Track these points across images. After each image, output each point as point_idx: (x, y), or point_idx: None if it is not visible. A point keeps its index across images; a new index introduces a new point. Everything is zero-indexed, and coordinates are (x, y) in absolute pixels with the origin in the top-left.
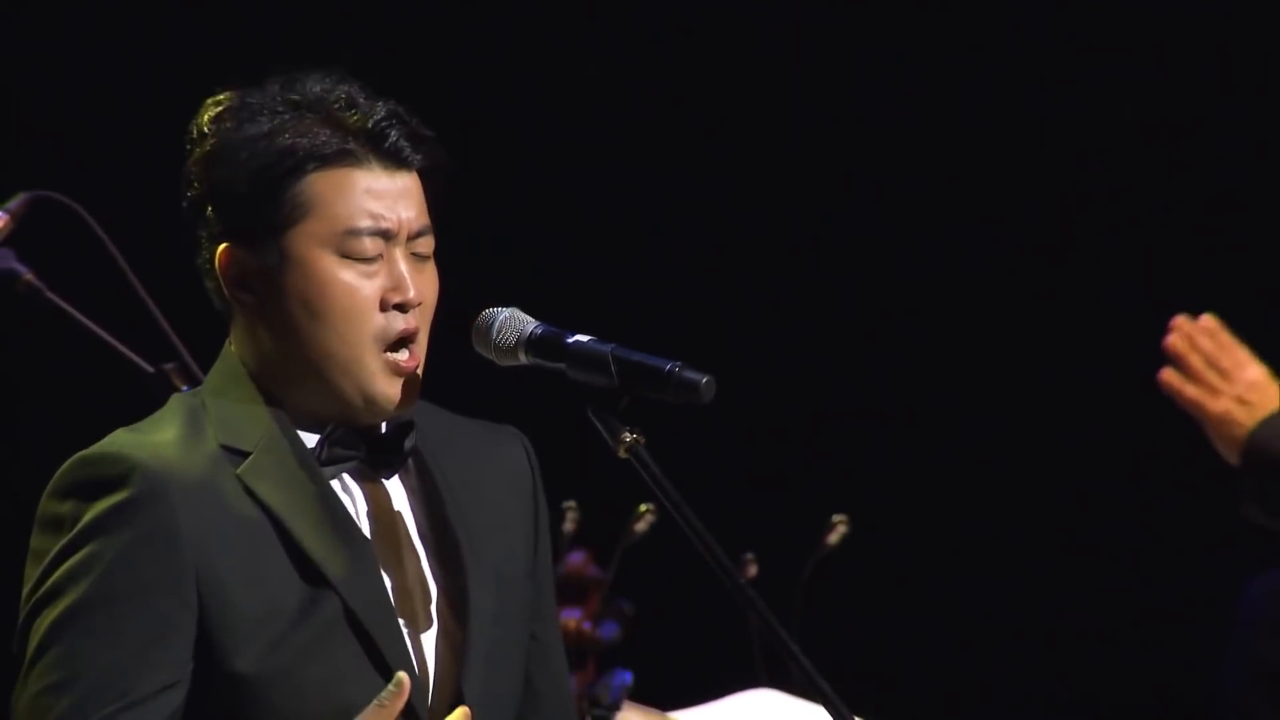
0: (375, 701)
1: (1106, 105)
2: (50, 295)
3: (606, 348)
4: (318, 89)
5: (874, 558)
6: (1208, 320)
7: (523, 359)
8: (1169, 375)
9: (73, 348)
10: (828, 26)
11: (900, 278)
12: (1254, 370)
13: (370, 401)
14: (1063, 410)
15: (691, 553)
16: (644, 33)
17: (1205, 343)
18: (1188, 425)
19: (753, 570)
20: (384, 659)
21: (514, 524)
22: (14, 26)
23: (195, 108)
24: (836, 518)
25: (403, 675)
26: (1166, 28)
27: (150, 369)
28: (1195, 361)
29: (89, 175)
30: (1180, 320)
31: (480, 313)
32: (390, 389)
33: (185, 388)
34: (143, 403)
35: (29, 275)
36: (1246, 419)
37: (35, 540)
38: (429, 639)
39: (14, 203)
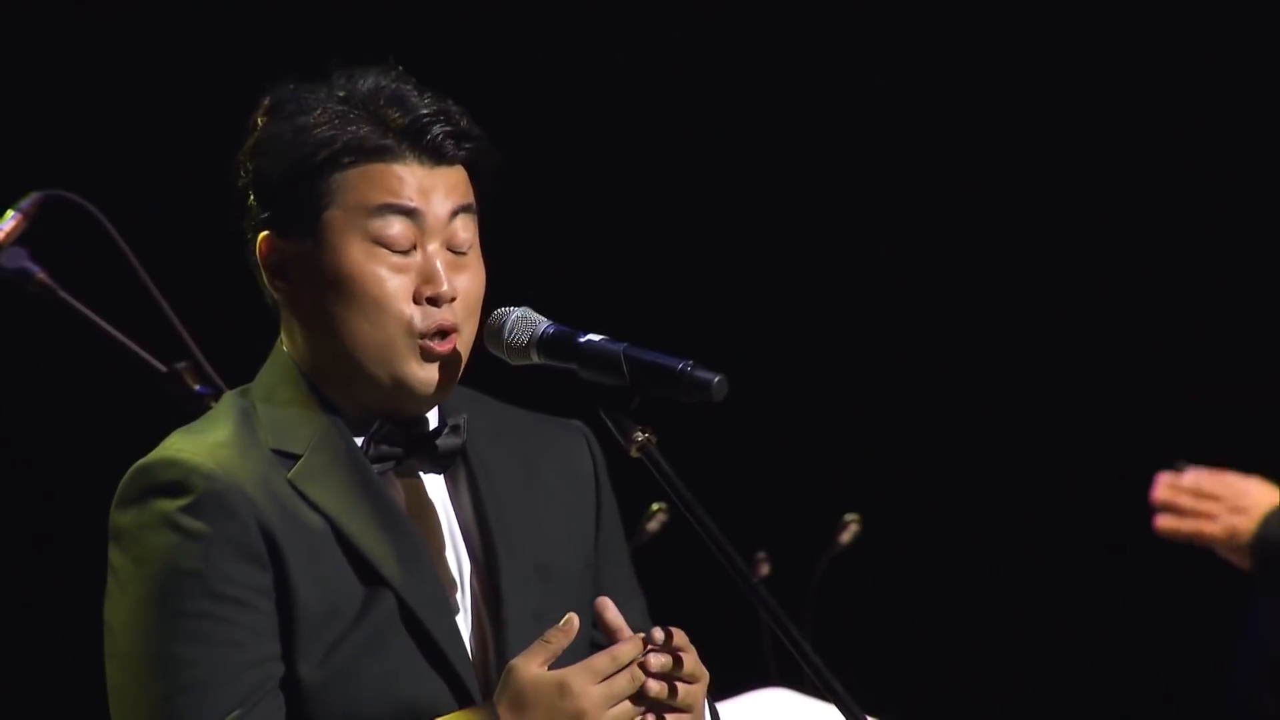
0: (542, 638)
1: (1114, 106)
2: (63, 294)
3: (618, 347)
4: (369, 85)
5: (886, 556)
6: (1188, 473)
7: (535, 359)
8: (1163, 521)
9: (85, 347)
10: (830, 26)
11: (914, 276)
12: (1240, 481)
13: (403, 386)
14: (1074, 409)
15: (703, 551)
16: (648, 32)
17: (1187, 481)
18: (1197, 427)
19: (765, 569)
20: (442, 655)
21: (573, 519)
22: (23, 26)
23: (206, 108)
24: (849, 516)
25: (573, 615)
26: (1168, 27)
27: (163, 368)
28: (1183, 500)
29: (101, 174)
30: (1163, 475)
31: (493, 312)
32: (423, 373)
33: (198, 387)
34: (155, 402)
35: (42, 274)
36: (1247, 525)
37: (111, 556)
38: (473, 636)
39: (26, 202)
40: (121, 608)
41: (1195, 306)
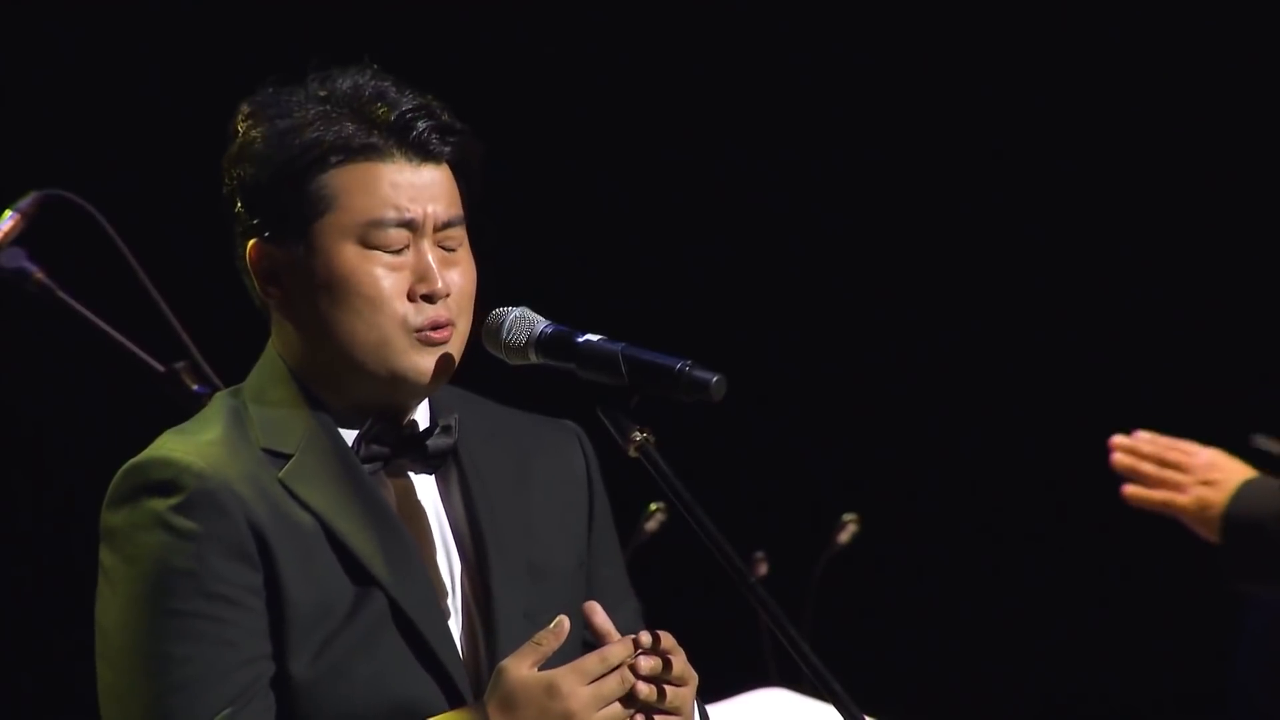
0: (533, 640)
1: (1114, 107)
2: (61, 294)
3: (616, 347)
4: (349, 84)
5: (884, 556)
6: (1141, 433)
7: (533, 358)
8: (1130, 491)
9: (84, 347)
10: (830, 26)
11: (914, 277)
12: (1206, 453)
13: (399, 379)
14: (1074, 409)
15: (702, 551)
16: (648, 32)
17: (1148, 447)
18: (1198, 427)
19: (763, 569)
20: (433, 655)
21: (566, 519)
22: (24, 26)
23: (205, 107)
24: (847, 516)
25: (563, 617)
26: (1168, 28)
27: (161, 368)
28: (1148, 469)
29: (100, 174)
30: (1116, 439)
31: (491, 312)
32: (419, 361)
33: (196, 387)
34: (154, 402)
35: (40, 274)
36: (1218, 497)
37: (102, 555)
38: (464, 635)
39: (25, 202)
40: (113, 607)
41: (1197, 307)
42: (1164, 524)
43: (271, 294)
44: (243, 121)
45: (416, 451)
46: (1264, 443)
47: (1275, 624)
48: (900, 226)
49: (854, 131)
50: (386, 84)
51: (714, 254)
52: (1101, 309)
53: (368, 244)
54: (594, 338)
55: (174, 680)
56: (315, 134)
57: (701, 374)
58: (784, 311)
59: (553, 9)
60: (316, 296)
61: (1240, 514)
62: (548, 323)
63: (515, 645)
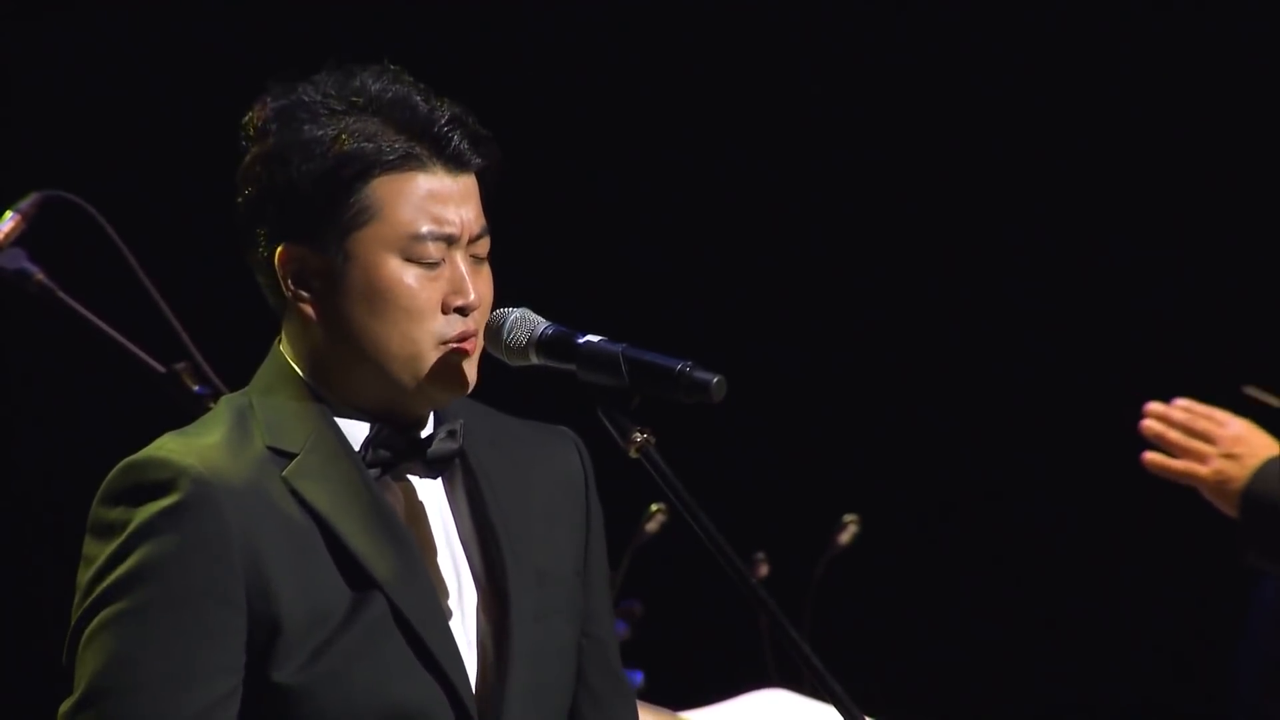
0: None
1: (1114, 107)
2: (62, 295)
3: (617, 348)
4: (375, 87)
5: (885, 557)
6: (1179, 401)
7: (533, 359)
8: (1151, 457)
9: (84, 348)
10: (830, 26)
11: (915, 276)
12: (1236, 424)
13: (426, 389)
14: (1075, 410)
15: (702, 552)
16: (648, 32)
17: (1179, 415)
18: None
19: (764, 570)
20: (433, 658)
21: (564, 525)
22: (24, 26)
23: (205, 108)
24: (848, 517)
25: None
26: (1168, 27)
27: (161, 369)
28: (1174, 436)
29: (100, 175)
30: (1151, 405)
31: (491, 313)
32: (447, 375)
33: (197, 387)
34: (154, 403)
35: (40, 275)
36: (1239, 472)
37: (86, 547)
38: (472, 639)
39: (25, 203)
40: (84, 602)
41: (1199, 308)
42: (1165, 524)
43: (301, 297)
44: (270, 124)
45: (421, 456)
46: (1255, 393)
47: (1276, 626)
48: (901, 227)
49: (854, 131)
50: (411, 89)
51: (714, 254)
52: (1103, 310)
53: (408, 256)
54: (595, 339)
55: (128, 682)
56: (355, 143)
57: (702, 375)
58: (784, 312)
59: (553, 9)
60: (352, 305)
61: (1259, 492)
62: (548, 324)
63: (527, 648)
